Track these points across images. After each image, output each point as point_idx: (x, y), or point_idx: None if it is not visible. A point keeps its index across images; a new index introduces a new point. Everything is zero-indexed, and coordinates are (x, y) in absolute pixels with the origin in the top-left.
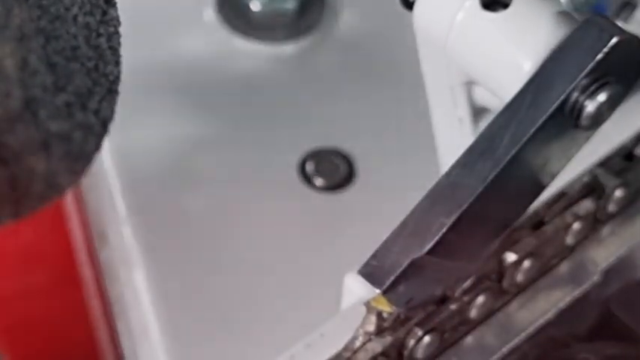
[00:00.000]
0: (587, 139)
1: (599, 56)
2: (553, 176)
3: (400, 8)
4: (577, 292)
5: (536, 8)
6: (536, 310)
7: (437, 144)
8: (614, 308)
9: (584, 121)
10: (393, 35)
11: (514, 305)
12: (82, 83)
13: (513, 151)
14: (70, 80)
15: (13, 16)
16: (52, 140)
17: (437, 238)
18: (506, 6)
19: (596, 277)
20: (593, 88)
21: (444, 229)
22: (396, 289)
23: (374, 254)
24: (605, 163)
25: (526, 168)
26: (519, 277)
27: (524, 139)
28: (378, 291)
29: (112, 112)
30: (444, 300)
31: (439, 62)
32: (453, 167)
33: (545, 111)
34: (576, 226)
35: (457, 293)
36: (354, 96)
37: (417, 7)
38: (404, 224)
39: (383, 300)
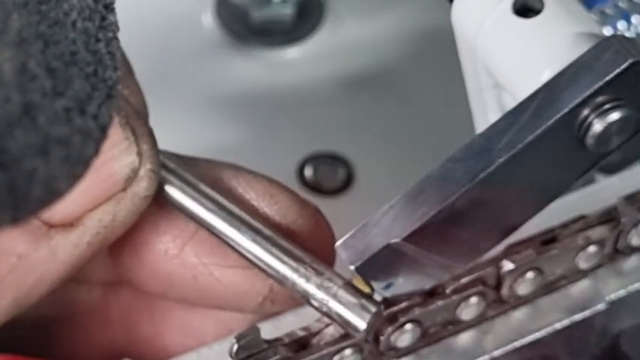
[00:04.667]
0: (595, 162)
1: (610, 76)
2: (558, 193)
3: (398, 14)
4: (578, 317)
5: (565, 20)
6: (532, 326)
7: None
8: (624, 344)
9: (589, 140)
10: (393, 41)
11: (511, 316)
12: (80, 88)
13: (507, 155)
14: (69, 85)
15: (12, 21)
16: (51, 145)
17: (416, 226)
18: (538, 13)
19: (601, 306)
20: (605, 108)
21: (425, 220)
22: (371, 271)
23: (355, 231)
24: (630, 197)
25: (523, 175)
26: (521, 289)
27: (521, 144)
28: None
29: (110, 117)
30: (431, 294)
31: (472, 63)
32: (448, 160)
33: (547, 120)
34: (591, 250)
35: (447, 290)
36: (353, 101)
37: (455, 3)
38: (390, 207)
39: (362, 282)
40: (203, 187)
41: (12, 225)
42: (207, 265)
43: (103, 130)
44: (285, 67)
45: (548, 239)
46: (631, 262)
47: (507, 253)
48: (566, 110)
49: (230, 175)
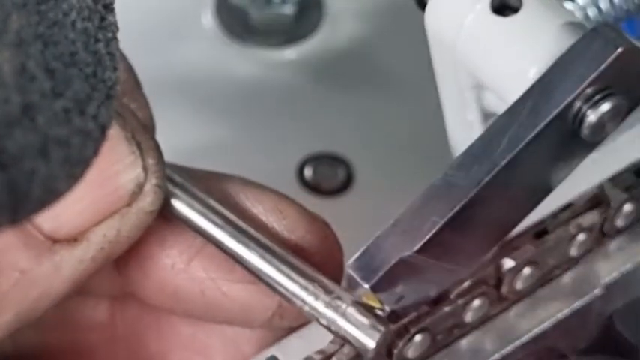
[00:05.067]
0: (590, 150)
1: (602, 66)
2: (555, 185)
3: (398, 14)
4: (577, 304)
5: (545, 15)
6: (534, 319)
7: (450, 147)
8: (617, 323)
9: (585, 131)
10: (392, 41)
11: (512, 312)
12: (80, 89)
13: (510, 156)
14: (69, 86)
15: (11, 22)
16: (51, 145)
17: (428, 237)
18: (516, 11)
19: (598, 291)
20: (596, 98)
21: (435, 229)
22: (385, 287)
23: (365, 249)
24: (614, 178)
25: (524, 174)
26: (518, 285)
27: (522, 144)
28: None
29: (110, 117)
30: (437, 301)
31: (450, 64)
32: (450, 168)
33: (545, 117)
34: (581, 237)
35: (452, 295)
36: (353, 101)
37: (428, 7)
38: (397, 222)
39: (373, 296)
40: (210, 201)
41: (11, 226)
42: (215, 279)
43: (103, 131)
44: (285, 68)
45: (540, 231)
46: (617, 243)
47: (504, 250)
48: (563, 105)
49: (238, 189)
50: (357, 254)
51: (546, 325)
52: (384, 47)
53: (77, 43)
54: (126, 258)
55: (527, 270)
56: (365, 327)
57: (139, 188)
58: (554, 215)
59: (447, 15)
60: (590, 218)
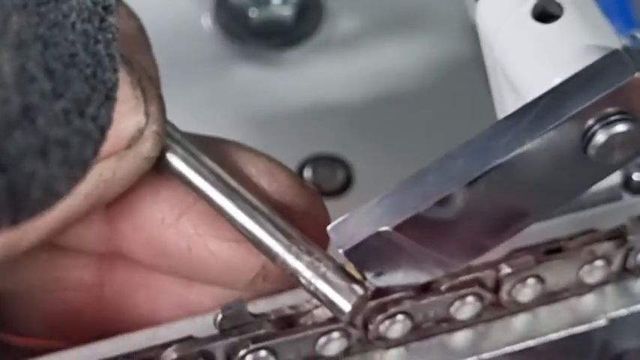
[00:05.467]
0: (600, 174)
1: (615, 87)
2: (562, 200)
3: (398, 15)
4: (576, 330)
5: (581, 29)
6: (528, 333)
7: None
8: None
9: (591, 150)
10: (392, 42)
11: (508, 321)
12: (80, 90)
13: (504, 157)
14: (68, 87)
15: (11, 23)
16: (50, 146)
17: (406, 217)
18: (556, 19)
19: (601, 322)
20: (611, 119)
21: (415, 212)
22: (360, 257)
23: (348, 216)
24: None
25: (522, 179)
26: (520, 296)
27: (519, 148)
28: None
29: (109, 118)
30: (426, 289)
31: (491, 62)
32: (447, 155)
33: (547, 126)
34: (597, 266)
35: (442, 287)
36: (352, 103)
37: (480, 2)
38: (385, 196)
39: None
40: (205, 158)
41: (11, 227)
42: (203, 236)
43: (102, 132)
44: (285, 69)
45: (552, 249)
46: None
47: (507, 258)
48: (564, 118)
49: (233, 150)
50: (340, 219)
51: (538, 341)
52: (384, 48)
53: (77, 45)
54: (117, 209)
55: (530, 282)
56: (343, 290)
57: (139, 132)
58: (572, 237)
59: (493, 12)
60: (606, 247)
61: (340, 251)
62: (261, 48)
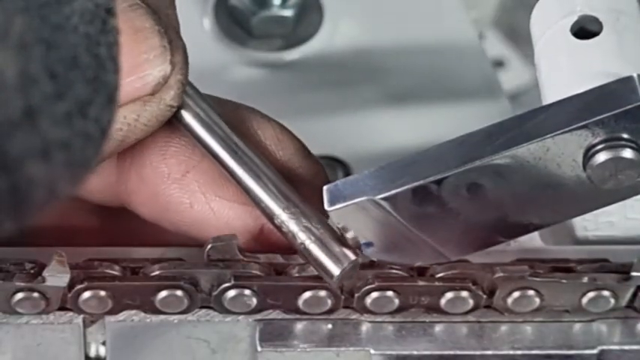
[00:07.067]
0: (600, 200)
1: (615, 112)
2: (559, 218)
3: (398, 16)
4: (563, 352)
5: (610, 55)
6: (516, 343)
7: None
8: None
9: (589, 170)
10: (391, 43)
11: (498, 326)
12: (82, 92)
13: (497, 155)
14: (70, 89)
15: (14, 25)
16: (52, 148)
17: (394, 192)
18: (593, 36)
19: (590, 351)
20: (615, 143)
21: (403, 188)
22: (348, 221)
23: (345, 180)
24: None
25: (517, 181)
26: (516, 306)
27: (513, 149)
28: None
29: (111, 120)
30: (418, 273)
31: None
32: (449, 141)
33: (544, 135)
34: (603, 296)
35: (436, 275)
36: (352, 103)
37: (536, 7)
38: (386, 166)
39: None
40: (217, 118)
41: (14, 229)
42: (205, 193)
43: (104, 133)
44: (285, 70)
45: (560, 267)
46: None
47: (505, 264)
48: (564, 130)
49: (246, 114)
50: (337, 181)
51: (519, 352)
52: (384, 50)
53: (79, 47)
54: (128, 161)
55: (528, 294)
56: (334, 255)
57: (164, 80)
58: (582, 261)
59: (541, 19)
60: (608, 279)
61: (327, 209)
62: (261, 49)
